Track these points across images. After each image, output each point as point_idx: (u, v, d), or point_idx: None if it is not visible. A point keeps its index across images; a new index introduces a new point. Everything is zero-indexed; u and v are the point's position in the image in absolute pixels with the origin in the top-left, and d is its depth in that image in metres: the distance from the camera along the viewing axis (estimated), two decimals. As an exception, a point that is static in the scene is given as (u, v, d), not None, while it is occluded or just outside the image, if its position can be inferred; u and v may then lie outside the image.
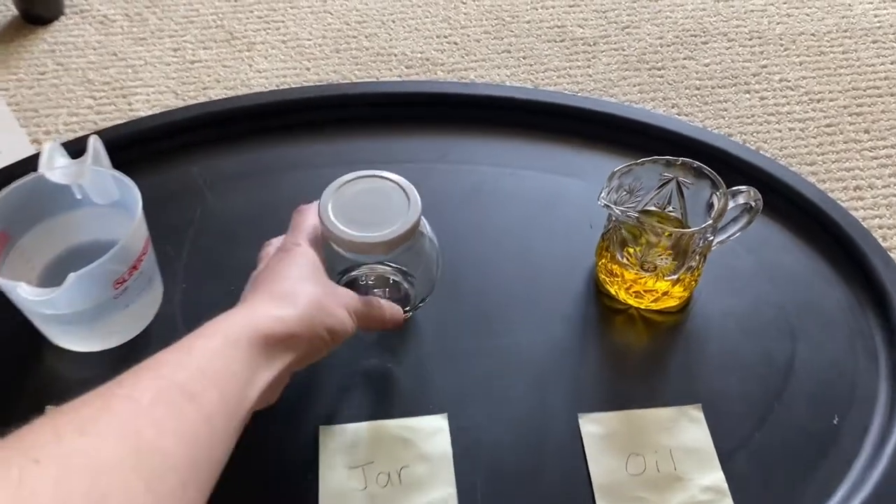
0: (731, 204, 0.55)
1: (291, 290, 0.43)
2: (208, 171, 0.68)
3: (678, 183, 0.57)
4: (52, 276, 0.55)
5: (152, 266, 0.55)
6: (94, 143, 0.53)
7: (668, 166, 0.57)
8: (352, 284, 0.53)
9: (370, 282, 0.53)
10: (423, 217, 0.52)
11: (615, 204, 0.55)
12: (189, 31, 0.80)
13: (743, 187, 0.56)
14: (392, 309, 0.50)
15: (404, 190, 0.48)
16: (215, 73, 0.75)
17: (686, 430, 0.52)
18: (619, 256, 0.56)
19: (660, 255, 0.54)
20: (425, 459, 0.51)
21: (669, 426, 0.52)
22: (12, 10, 0.77)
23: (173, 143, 0.69)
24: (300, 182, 0.68)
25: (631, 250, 0.55)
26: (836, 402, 0.55)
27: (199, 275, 0.60)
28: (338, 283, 0.53)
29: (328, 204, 0.50)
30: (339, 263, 0.52)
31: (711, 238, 0.54)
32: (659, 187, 0.58)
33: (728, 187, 0.55)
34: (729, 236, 0.57)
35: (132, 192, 0.51)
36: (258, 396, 0.39)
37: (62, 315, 0.49)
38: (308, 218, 0.49)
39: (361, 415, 0.54)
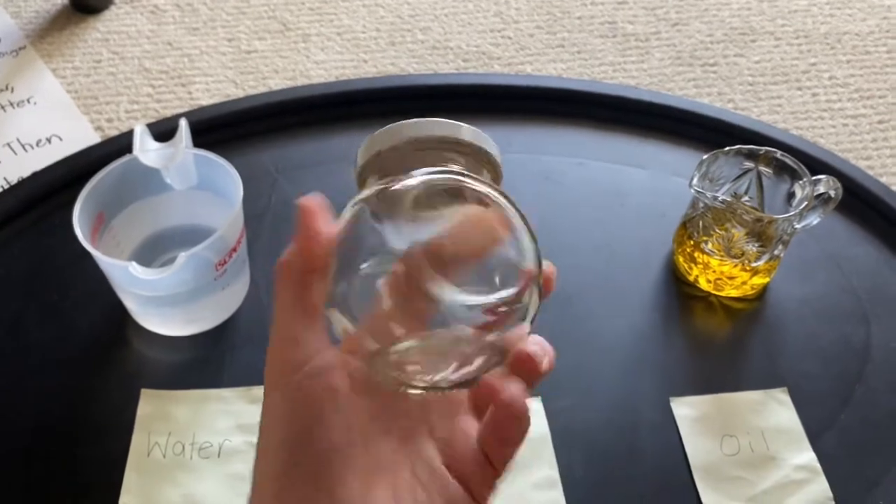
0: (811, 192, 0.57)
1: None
2: (279, 159, 0.69)
3: (758, 173, 0.59)
4: (140, 258, 0.56)
5: (244, 250, 0.56)
6: (185, 127, 0.54)
7: (750, 156, 0.59)
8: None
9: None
10: None
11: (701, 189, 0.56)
12: (242, 21, 0.81)
13: (822, 176, 0.58)
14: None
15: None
16: (273, 63, 0.76)
17: (775, 413, 0.54)
18: (703, 244, 0.58)
19: (747, 242, 0.56)
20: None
21: (759, 409, 0.54)
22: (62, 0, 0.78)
23: (242, 130, 0.70)
24: (348, 177, 0.70)
25: (717, 237, 0.57)
26: (915, 384, 0.57)
27: (278, 258, 0.61)
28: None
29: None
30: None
31: (797, 226, 0.56)
32: (737, 177, 0.60)
33: (786, 179, 0.57)
34: (808, 224, 0.59)
35: (226, 176, 0.52)
36: None
37: (163, 297, 0.50)
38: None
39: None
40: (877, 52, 0.81)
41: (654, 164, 0.66)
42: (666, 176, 0.69)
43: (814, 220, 0.58)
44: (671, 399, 0.55)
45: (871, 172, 0.72)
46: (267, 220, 0.65)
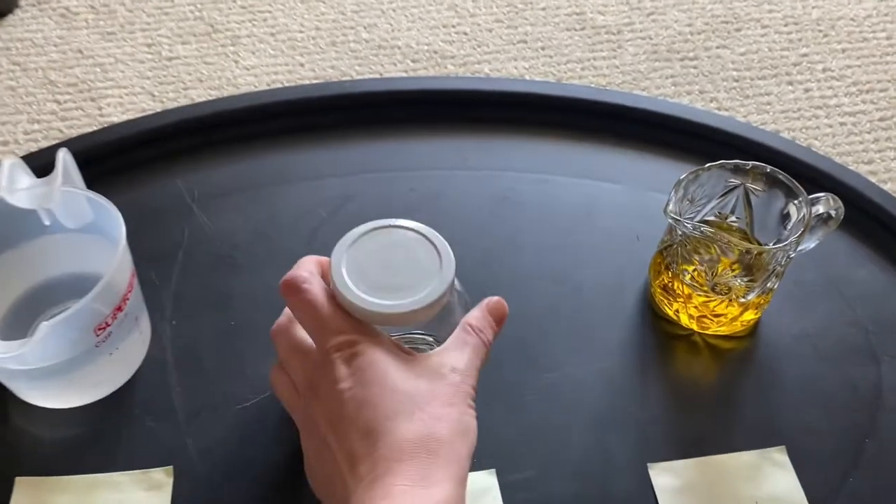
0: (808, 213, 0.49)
1: (418, 441, 0.33)
2: (196, 184, 0.60)
3: (746, 190, 0.50)
4: (18, 321, 0.47)
5: (139, 303, 0.48)
6: (64, 158, 0.45)
7: (737, 171, 0.50)
8: None
9: None
10: None
11: (679, 215, 0.48)
12: (164, 23, 0.73)
13: (821, 194, 0.50)
14: (491, 312, 0.42)
15: (431, 241, 0.41)
16: (196, 70, 0.68)
17: (772, 478, 0.46)
18: (682, 275, 0.49)
19: (733, 276, 0.47)
20: (475, 525, 0.44)
21: (752, 474, 0.46)
22: (-41, 3, 0.70)
23: (154, 152, 0.61)
24: (301, 194, 0.61)
25: (698, 270, 0.49)
26: (934, 436, 0.49)
27: (191, 308, 0.52)
28: None
29: (341, 268, 0.42)
30: None
31: (793, 254, 0.48)
32: (722, 195, 0.52)
33: (780, 192, 0.49)
34: (804, 249, 0.51)
35: (112, 217, 0.44)
36: None
37: (33, 370, 0.42)
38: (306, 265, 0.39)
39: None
40: (875, 38, 0.73)
41: (629, 177, 0.57)
42: (641, 191, 0.61)
43: (811, 244, 0.50)
44: (649, 466, 0.47)
45: (873, 179, 0.64)
46: (176, 261, 0.57)
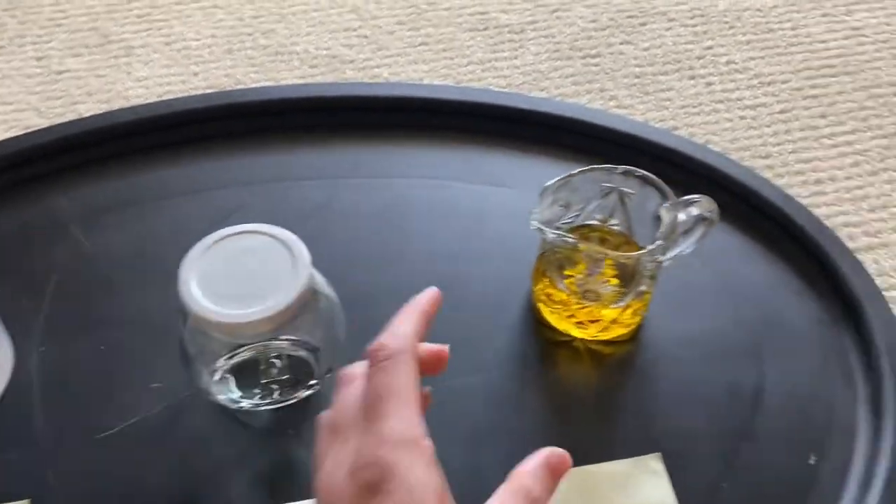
0: (681, 216, 0.48)
1: None
2: (76, 202, 0.59)
3: (620, 193, 0.50)
4: None
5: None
6: None
7: (609, 175, 0.50)
8: (241, 372, 0.45)
9: (262, 367, 0.45)
10: (314, 271, 0.44)
11: (550, 222, 0.47)
12: (56, 35, 0.71)
13: (695, 196, 0.49)
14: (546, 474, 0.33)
15: (286, 245, 0.40)
16: (87, 84, 0.66)
17: (645, 486, 0.45)
18: (557, 283, 0.49)
19: (603, 282, 0.47)
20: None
21: (625, 482, 0.45)
22: None
23: (33, 171, 0.60)
24: (188, 211, 0.60)
25: (570, 276, 0.48)
26: (812, 435, 0.49)
27: (62, 332, 0.51)
28: (220, 373, 0.45)
29: (190, 277, 0.41)
30: (217, 347, 0.44)
31: (661, 258, 0.47)
32: (600, 198, 0.51)
33: (677, 192, 0.49)
34: (680, 252, 0.50)
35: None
36: None
37: None
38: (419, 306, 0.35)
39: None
40: (781, 29, 0.73)
41: (522, 181, 0.57)
42: (534, 195, 0.60)
43: (687, 248, 0.49)
44: (521, 479, 0.46)
45: (769, 174, 0.64)
46: (49, 284, 0.55)
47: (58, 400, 0.48)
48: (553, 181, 0.46)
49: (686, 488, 0.45)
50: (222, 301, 0.39)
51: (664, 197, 0.47)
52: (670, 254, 0.49)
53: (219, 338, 0.42)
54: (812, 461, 0.46)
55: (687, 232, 0.50)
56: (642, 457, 0.46)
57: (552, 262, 0.48)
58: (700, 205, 0.47)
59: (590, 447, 0.47)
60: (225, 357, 0.45)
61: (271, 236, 0.42)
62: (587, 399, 0.48)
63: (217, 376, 0.45)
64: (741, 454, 0.47)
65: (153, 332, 0.48)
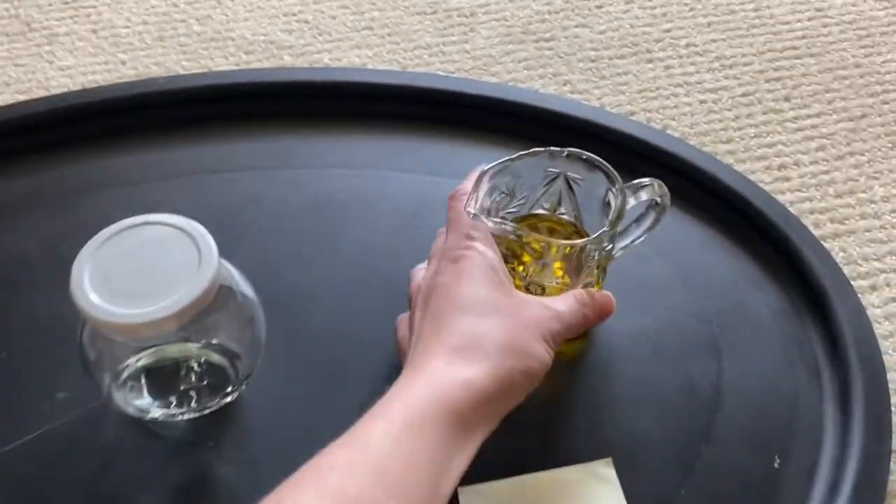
0: (631, 201, 0.45)
1: (473, 334, 0.36)
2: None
3: (566, 179, 0.46)
4: None
5: None
6: None
7: (553, 159, 0.46)
8: (154, 379, 0.42)
9: (179, 373, 0.42)
10: (229, 266, 0.41)
11: (490, 212, 0.44)
12: (-27, 23, 0.66)
13: (645, 180, 0.46)
14: (598, 299, 0.43)
15: (191, 236, 0.37)
16: (5, 73, 0.62)
17: (595, 494, 0.42)
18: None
19: (540, 272, 0.43)
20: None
21: (573, 491, 0.42)
22: None
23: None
24: (107, 207, 0.56)
25: (514, 269, 0.44)
26: (776, 436, 0.46)
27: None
28: (125, 380, 0.41)
29: (83, 275, 0.37)
30: (119, 352, 0.41)
31: (610, 246, 0.44)
32: (546, 184, 0.48)
33: (632, 178, 0.45)
34: (632, 241, 0.47)
35: None
36: (452, 488, 0.34)
37: None
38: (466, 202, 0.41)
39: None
40: (742, 10, 0.70)
41: (465, 171, 0.53)
42: (477, 184, 0.56)
43: (639, 236, 0.46)
44: (459, 490, 0.42)
45: (731, 159, 0.61)
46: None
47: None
48: (490, 165, 0.43)
49: (640, 496, 0.41)
50: (119, 299, 0.36)
51: (612, 181, 0.43)
52: (620, 243, 0.46)
53: (119, 341, 0.39)
54: (776, 464, 0.43)
55: (638, 220, 0.46)
56: (591, 462, 0.42)
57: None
58: (650, 189, 0.44)
59: (535, 453, 0.44)
60: (128, 362, 0.41)
61: (175, 227, 0.38)
62: (534, 401, 0.45)
63: (122, 383, 0.41)
64: (700, 458, 0.43)
65: (61, 337, 0.44)
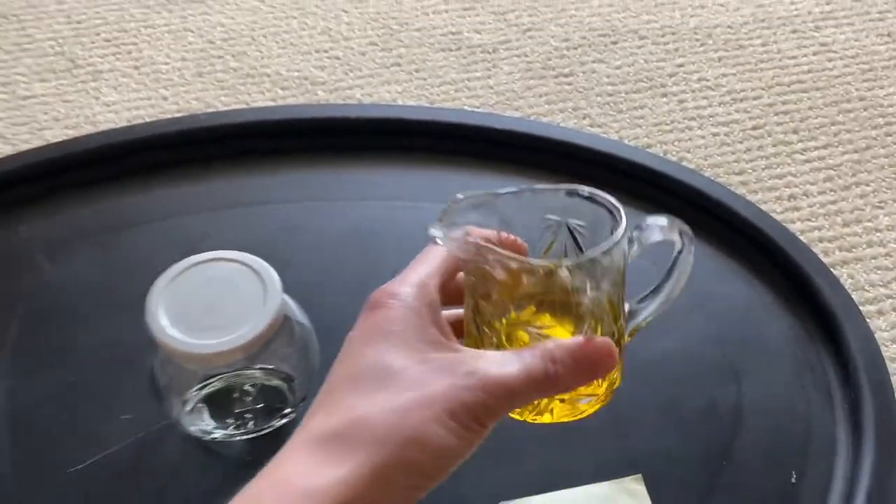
0: (637, 241, 0.36)
1: (354, 417, 0.28)
2: (43, 231, 0.58)
3: (569, 230, 0.36)
4: None
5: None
6: None
7: (552, 198, 0.35)
8: (214, 402, 0.44)
9: (235, 396, 0.44)
10: (286, 297, 0.44)
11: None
12: (21, 60, 0.70)
13: (661, 219, 0.36)
14: (585, 350, 0.31)
15: (256, 272, 0.40)
16: (53, 109, 0.66)
17: (626, 510, 0.44)
18: (476, 329, 0.35)
19: (539, 325, 0.34)
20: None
21: (606, 506, 0.45)
22: None
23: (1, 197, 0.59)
24: (157, 238, 0.59)
25: (491, 324, 0.35)
26: (792, 453, 0.49)
27: (30, 365, 0.50)
28: (192, 404, 0.43)
29: (158, 309, 0.40)
30: (189, 378, 0.44)
31: (612, 293, 0.35)
32: (545, 236, 0.36)
33: (650, 209, 0.48)
34: (656, 310, 0.38)
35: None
36: None
37: None
38: (431, 250, 0.34)
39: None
40: (751, 45, 0.74)
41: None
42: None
43: (670, 296, 0.37)
44: (502, 504, 0.45)
45: (744, 190, 0.64)
46: (18, 314, 0.54)
47: (27, 433, 0.47)
48: (461, 197, 0.34)
49: (668, 510, 0.45)
50: (193, 331, 0.39)
51: (614, 217, 0.34)
52: (645, 312, 0.37)
53: (190, 368, 0.42)
54: (793, 480, 0.46)
55: (668, 274, 0.37)
56: (623, 479, 0.45)
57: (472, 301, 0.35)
58: (662, 228, 0.35)
59: (568, 470, 0.47)
60: (197, 387, 0.44)
61: (241, 263, 0.41)
62: (560, 424, 0.48)
63: (189, 407, 0.44)
64: (722, 474, 0.47)
65: (122, 362, 0.47)
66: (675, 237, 0.36)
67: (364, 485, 0.26)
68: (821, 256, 0.58)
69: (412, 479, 0.27)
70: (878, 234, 0.59)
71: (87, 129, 0.65)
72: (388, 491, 0.27)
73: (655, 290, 0.37)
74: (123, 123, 0.66)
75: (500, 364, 0.29)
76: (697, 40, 0.73)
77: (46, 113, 0.65)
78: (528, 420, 0.35)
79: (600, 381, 0.35)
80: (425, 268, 0.33)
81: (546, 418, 0.35)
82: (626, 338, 0.37)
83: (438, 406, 0.28)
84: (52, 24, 0.72)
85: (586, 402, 0.36)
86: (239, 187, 0.67)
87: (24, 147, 0.62)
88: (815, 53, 0.73)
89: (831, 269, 0.57)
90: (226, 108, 0.66)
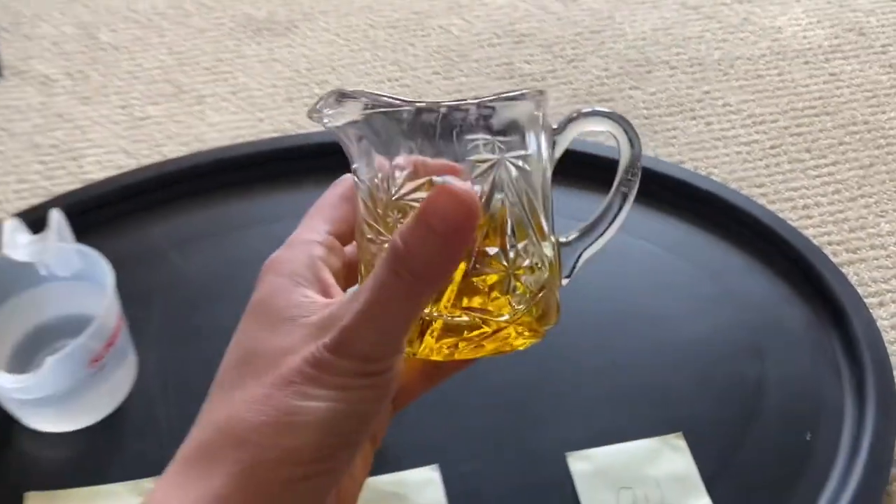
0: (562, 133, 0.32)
1: (218, 421, 0.24)
2: (171, 231, 0.69)
3: (509, 166, 0.28)
4: (21, 357, 0.55)
5: (126, 339, 0.55)
6: (57, 218, 0.53)
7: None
8: None
9: None
10: None
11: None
12: (134, 87, 0.80)
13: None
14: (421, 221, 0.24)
15: None
16: (167, 129, 0.76)
17: (670, 460, 0.54)
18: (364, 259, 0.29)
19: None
20: (421, 513, 0.51)
21: (654, 457, 0.55)
22: (-54, 75, 0.77)
23: (132, 205, 0.69)
24: (264, 236, 0.69)
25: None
26: (807, 417, 0.58)
27: (173, 340, 0.60)
28: None
29: None
30: None
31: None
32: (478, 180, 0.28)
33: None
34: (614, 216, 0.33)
35: (100, 266, 0.52)
36: None
37: (38, 399, 0.49)
38: (321, 201, 0.31)
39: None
40: (768, 75, 0.83)
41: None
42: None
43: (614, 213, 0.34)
44: (567, 454, 0.55)
45: (763, 200, 0.73)
46: (156, 300, 0.64)
47: (174, 398, 0.57)
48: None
49: (705, 462, 0.54)
50: None
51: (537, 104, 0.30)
52: (584, 245, 0.33)
53: None
54: (808, 437, 0.55)
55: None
56: (667, 435, 0.55)
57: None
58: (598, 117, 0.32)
59: (622, 427, 0.56)
60: None
61: None
62: (616, 388, 0.58)
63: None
64: (749, 433, 0.56)
65: None
66: (616, 129, 0.31)
67: (234, 491, 0.22)
68: (830, 257, 0.67)
69: (293, 470, 0.23)
70: (879, 238, 0.69)
71: (197, 146, 0.75)
72: (264, 490, 0.22)
73: (595, 222, 0.32)
74: (227, 141, 0.76)
75: (352, 296, 0.24)
76: (721, 70, 0.83)
77: (161, 132, 0.75)
78: (427, 356, 0.28)
79: (506, 305, 0.27)
80: (312, 219, 0.30)
81: (442, 354, 0.28)
82: (559, 273, 0.30)
83: (298, 377, 0.23)
84: (157, 54, 0.82)
85: (495, 337, 0.28)
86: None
87: (146, 161, 0.72)
88: (825, 82, 0.82)
89: (839, 268, 0.66)
90: (314, 130, 0.76)
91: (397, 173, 0.27)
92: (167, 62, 0.81)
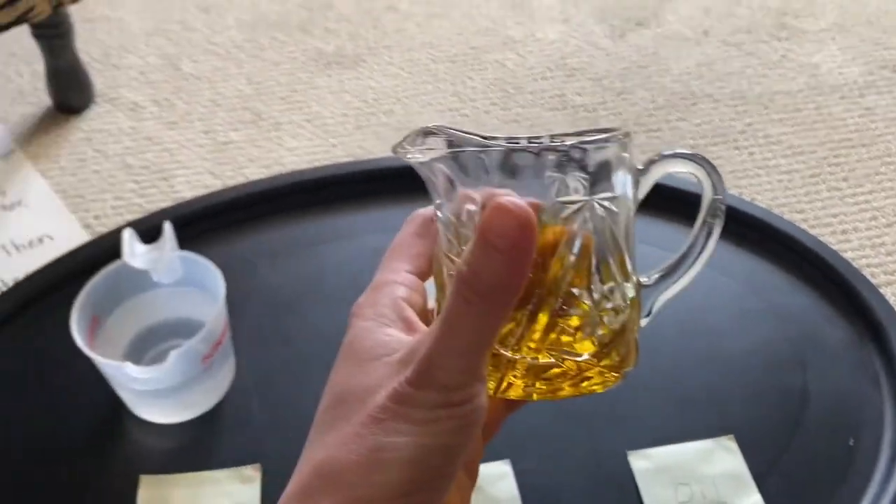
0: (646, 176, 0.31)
1: (315, 469, 0.25)
2: (257, 245, 0.74)
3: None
4: (133, 356, 0.60)
5: (229, 340, 0.61)
6: (168, 230, 0.59)
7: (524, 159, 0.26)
8: None
9: None
10: None
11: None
12: (216, 114, 0.87)
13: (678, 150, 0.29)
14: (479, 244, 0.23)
15: None
16: (248, 153, 0.82)
17: (723, 460, 0.58)
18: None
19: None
20: None
21: (708, 457, 0.59)
22: (45, 101, 0.83)
23: (223, 221, 0.75)
24: (342, 251, 0.75)
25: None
26: (849, 425, 0.62)
27: (264, 343, 0.65)
28: None
29: None
30: None
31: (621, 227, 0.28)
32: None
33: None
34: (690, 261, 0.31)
35: (210, 274, 0.57)
36: None
37: (157, 390, 0.55)
38: (399, 238, 0.30)
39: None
40: (806, 108, 0.88)
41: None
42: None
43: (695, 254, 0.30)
44: (628, 453, 0.59)
45: (805, 225, 0.78)
46: (248, 306, 0.70)
47: (268, 393, 0.62)
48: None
49: (755, 462, 0.58)
50: None
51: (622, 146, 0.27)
52: (664, 286, 0.30)
53: None
54: (851, 443, 0.59)
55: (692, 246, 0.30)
56: (719, 437, 0.59)
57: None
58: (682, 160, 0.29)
59: (679, 429, 0.61)
60: None
61: None
62: (673, 395, 0.62)
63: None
64: (795, 438, 0.60)
65: (332, 347, 0.62)
66: (699, 171, 0.29)
67: None
68: (869, 279, 0.72)
69: (400, 482, 0.23)
70: (915, 262, 0.73)
71: (277, 169, 0.81)
72: None
73: (677, 263, 0.31)
74: (304, 165, 0.82)
75: (429, 329, 0.24)
76: (762, 104, 0.88)
77: (243, 155, 0.81)
78: (505, 395, 0.29)
79: (581, 357, 0.28)
80: (391, 261, 0.30)
81: (515, 392, 0.29)
82: (640, 313, 0.30)
83: (384, 413, 0.23)
84: (236, 84, 0.89)
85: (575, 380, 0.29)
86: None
87: (231, 182, 0.78)
88: (860, 116, 0.87)
89: (878, 289, 0.71)
90: (384, 156, 0.82)
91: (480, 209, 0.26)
92: (245, 91, 0.87)
